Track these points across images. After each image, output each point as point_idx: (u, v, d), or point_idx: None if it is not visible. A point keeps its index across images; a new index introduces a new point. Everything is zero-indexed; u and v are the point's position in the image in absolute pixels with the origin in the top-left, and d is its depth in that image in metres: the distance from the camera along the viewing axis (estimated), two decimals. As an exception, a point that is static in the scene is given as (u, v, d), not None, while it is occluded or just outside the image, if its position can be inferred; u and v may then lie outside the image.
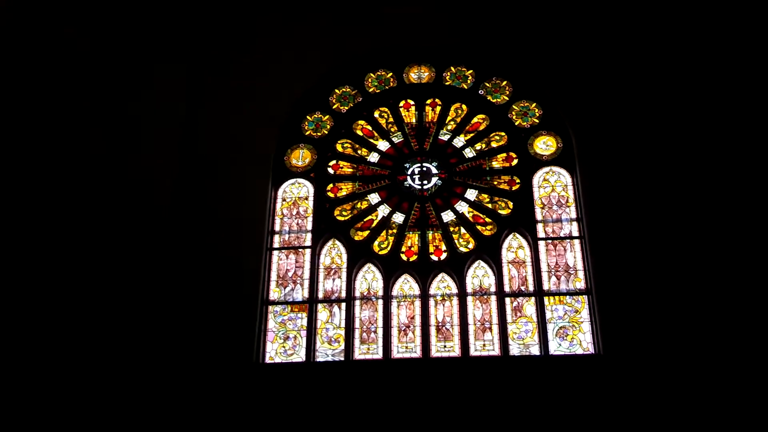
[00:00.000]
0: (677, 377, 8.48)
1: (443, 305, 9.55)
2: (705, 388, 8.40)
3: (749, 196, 9.34)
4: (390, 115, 11.03)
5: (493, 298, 9.51)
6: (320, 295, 9.74)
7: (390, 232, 10.12)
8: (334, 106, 11.14)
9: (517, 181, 10.31)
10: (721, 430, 8.19)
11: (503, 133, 10.70)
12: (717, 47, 10.28)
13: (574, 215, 9.95)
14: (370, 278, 9.82)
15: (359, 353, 9.35)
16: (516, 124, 10.72)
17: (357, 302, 9.66)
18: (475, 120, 10.85)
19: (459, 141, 10.73)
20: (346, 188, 10.54)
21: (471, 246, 9.89)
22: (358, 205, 10.38)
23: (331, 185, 10.55)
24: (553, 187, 10.21)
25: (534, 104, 10.81)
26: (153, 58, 10.84)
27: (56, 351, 9.08)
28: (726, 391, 8.36)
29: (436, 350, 9.28)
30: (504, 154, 10.55)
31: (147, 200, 10.02)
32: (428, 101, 11.09)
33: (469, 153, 10.63)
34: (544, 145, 10.50)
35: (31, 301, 9.27)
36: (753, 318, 8.69)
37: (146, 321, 9.26)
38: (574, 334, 9.17)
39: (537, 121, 10.70)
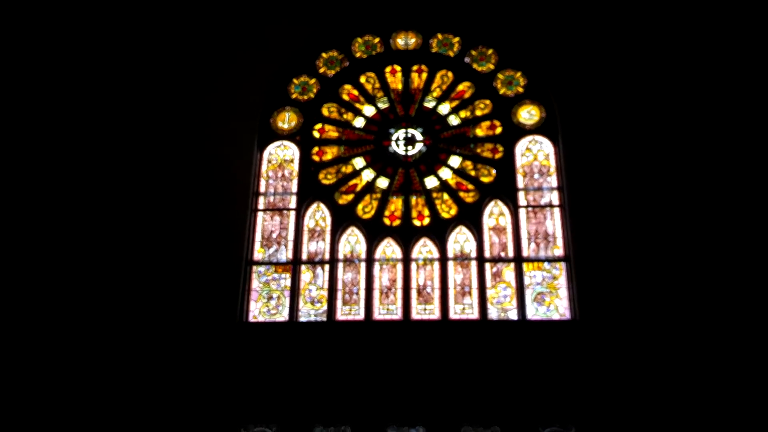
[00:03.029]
0: (650, 343, 8.74)
1: (425, 269, 9.72)
2: (677, 354, 8.66)
3: (727, 172, 9.55)
4: (376, 81, 11.07)
5: (474, 263, 9.69)
6: (304, 257, 9.87)
7: (374, 196, 10.23)
8: (321, 70, 11.17)
9: (500, 149, 10.43)
10: (693, 394, 8.46)
11: (488, 101, 10.79)
12: (701, 25, 10.39)
13: (555, 184, 10.11)
14: (353, 241, 9.96)
15: (341, 314, 9.52)
16: (500, 92, 10.82)
17: (340, 264, 9.80)
18: (460, 87, 10.93)
19: (444, 108, 10.81)
20: (331, 152, 10.62)
21: (453, 212, 10.04)
22: (343, 169, 10.48)
23: (316, 149, 10.62)
24: (536, 155, 10.35)
25: (519, 73, 10.90)
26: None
27: (40, 317, 9.23)
28: (698, 356, 8.63)
29: (417, 313, 9.47)
30: (488, 122, 10.66)
31: (133, 160, 10.11)
32: (414, 68, 11.13)
33: (453, 120, 10.73)
34: (528, 114, 10.62)
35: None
36: (725, 286, 8.94)
37: (131, 280, 9.40)
38: (552, 299, 9.38)
39: (521, 90, 10.80)
